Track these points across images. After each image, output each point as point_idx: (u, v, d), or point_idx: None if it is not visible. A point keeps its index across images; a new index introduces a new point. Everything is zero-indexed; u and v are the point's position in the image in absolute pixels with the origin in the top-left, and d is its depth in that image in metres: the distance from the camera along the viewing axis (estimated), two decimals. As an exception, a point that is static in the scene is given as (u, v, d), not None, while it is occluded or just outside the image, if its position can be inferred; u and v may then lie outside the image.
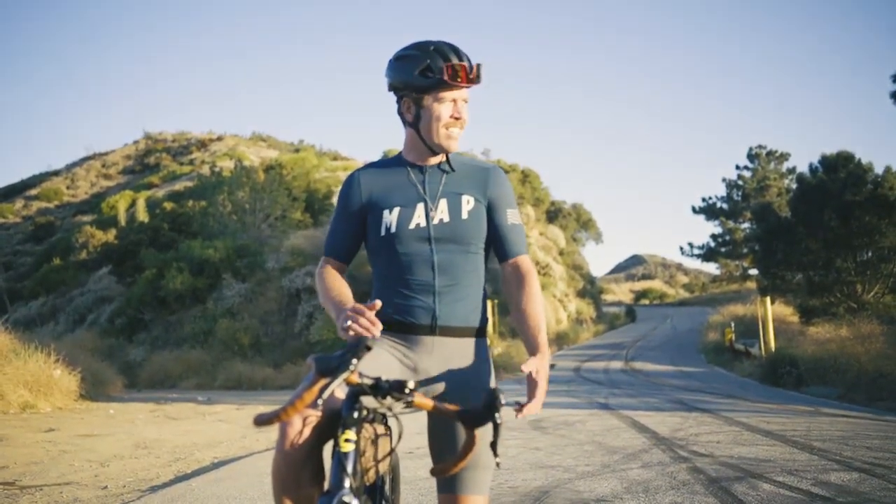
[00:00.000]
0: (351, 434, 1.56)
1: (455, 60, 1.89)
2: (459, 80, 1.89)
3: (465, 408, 1.62)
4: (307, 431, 1.66)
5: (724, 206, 43.49)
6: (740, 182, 43.34)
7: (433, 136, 1.94)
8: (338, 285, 1.93)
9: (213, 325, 20.78)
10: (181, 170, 43.05)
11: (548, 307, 30.88)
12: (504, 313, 21.93)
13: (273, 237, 25.78)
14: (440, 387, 1.92)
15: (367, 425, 1.71)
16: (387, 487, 1.91)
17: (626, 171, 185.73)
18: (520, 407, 1.79)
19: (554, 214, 42.40)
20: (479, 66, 1.93)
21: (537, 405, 1.81)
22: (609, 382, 14.83)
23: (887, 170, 21.54)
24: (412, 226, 1.92)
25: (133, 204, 34.54)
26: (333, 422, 1.63)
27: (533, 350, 1.88)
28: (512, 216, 2.02)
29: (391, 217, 1.93)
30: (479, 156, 37.35)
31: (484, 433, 1.61)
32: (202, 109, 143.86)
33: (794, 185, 30.61)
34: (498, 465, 1.65)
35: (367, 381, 1.56)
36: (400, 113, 2.00)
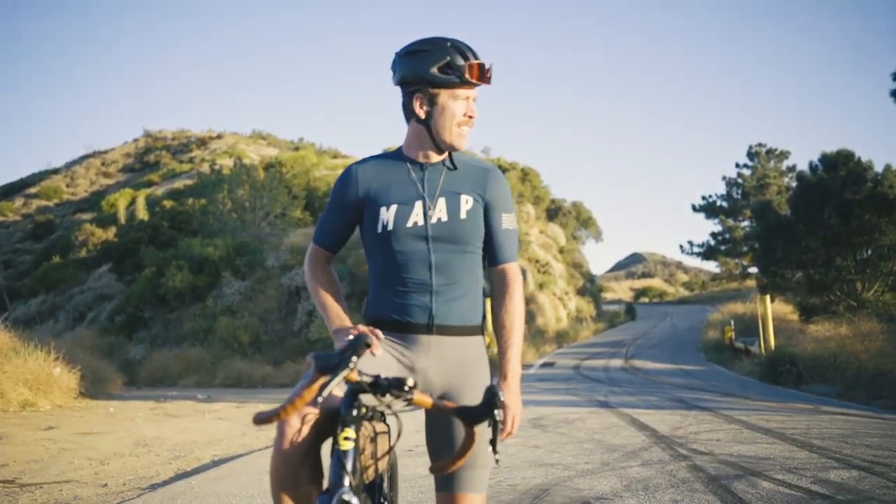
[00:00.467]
0: (350, 432, 1.56)
1: (473, 59, 1.89)
2: (481, 78, 1.89)
3: (464, 406, 1.62)
4: (305, 430, 1.66)
5: (724, 204, 43.54)
6: (740, 180, 43.37)
7: (446, 134, 1.92)
8: (332, 292, 1.97)
9: (213, 323, 20.79)
10: (181, 168, 43.03)
11: (548, 305, 30.90)
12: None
13: (273, 235, 25.77)
14: (438, 385, 1.92)
15: (366, 423, 1.71)
16: (385, 485, 1.91)
17: (626, 169, 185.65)
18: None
19: (554, 212, 42.38)
20: (491, 65, 1.93)
21: (505, 434, 1.83)
22: (609, 380, 14.83)
23: (887, 168, 21.55)
24: (409, 224, 1.90)
25: (133, 202, 34.52)
26: (332, 420, 1.63)
27: (502, 372, 1.90)
28: (507, 221, 1.99)
29: (388, 214, 1.91)
30: (479, 154, 37.35)
31: (482, 431, 1.60)
32: (202, 107, 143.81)
33: (793, 184, 30.63)
34: (497, 462, 1.65)
35: (367, 379, 1.56)
36: (405, 107, 1.95)
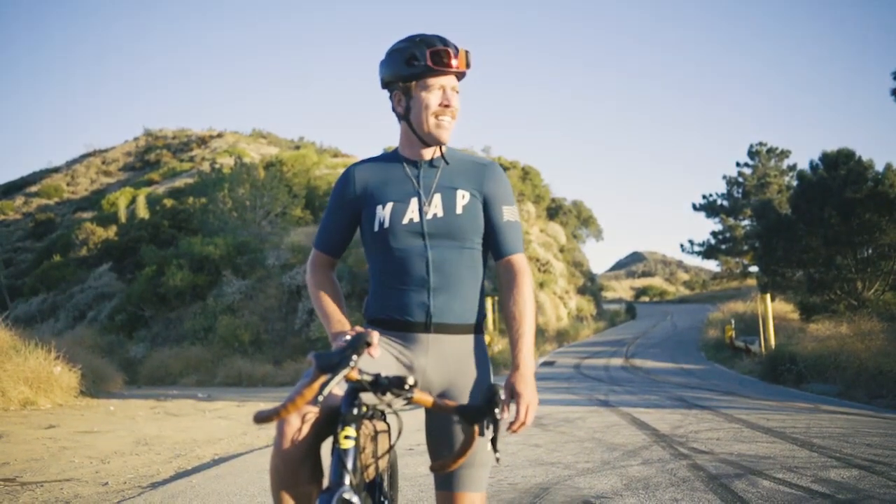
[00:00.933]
0: (351, 431, 1.56)
1: (439, 46, 1.88)
2: (445, 65, 1.87)
3: (464, 404, 1.62)
4: (305, 429, 1.66)
5: (725, 203, 43.48)
6: (741, 179, 43.31)
7: (423, 126, 1.91)
8: (333, 298, 1.97)
9: (214, 322, 20.80)
10: (181, 167, 43.01)
11: (548, 304, 30.88)
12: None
13: (273, 234, 25.77)
14: (437, 384, 1.91)
15: (366, 422, 1.72)
16: (386, 484, 1.91)
17: (627, 168, 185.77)
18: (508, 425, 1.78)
19: (554, 211, 42.35)
20: (466, 52, 1.92)
21: (518, 425, 1.78)
22: (609, 379, 14.83)
23: (888, 167, 21.51)
24: (405, 221, 1.90)
25: (133, 201, 34.52)
26: (331, 419, 1.63)
27: (514, 363, 1.85)
28: (508, 213, 1.98)
29: (384, 212, 1.91)
30: (479, 152, 37.31)
31: (482, 429, 1.60)
32: (202, 106, 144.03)
33: (794, 183, 30.61)
34: (498, 460, 1.65)
35: (367, 378, 1.56)
36: (393, 108, 1.98)
